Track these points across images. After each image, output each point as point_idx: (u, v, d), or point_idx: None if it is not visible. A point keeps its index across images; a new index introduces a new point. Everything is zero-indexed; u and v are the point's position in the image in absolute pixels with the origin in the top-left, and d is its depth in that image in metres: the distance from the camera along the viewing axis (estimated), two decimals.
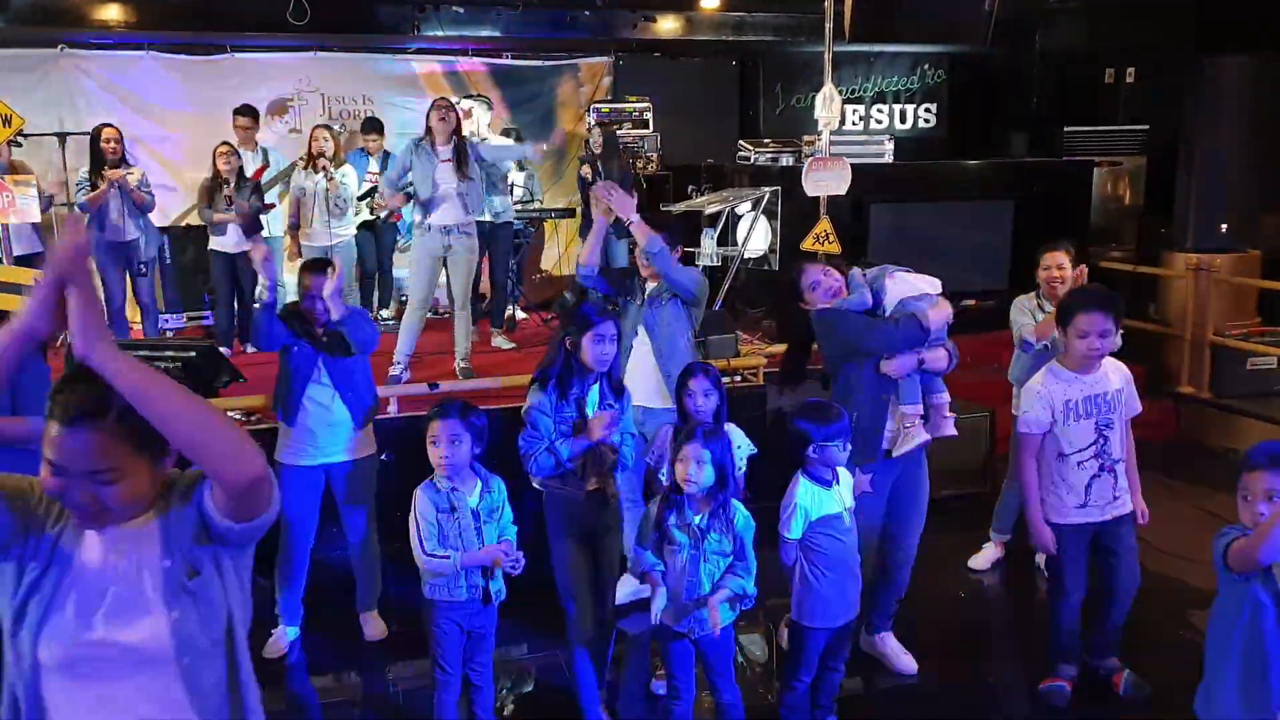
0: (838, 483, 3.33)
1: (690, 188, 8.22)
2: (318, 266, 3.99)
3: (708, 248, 7.33)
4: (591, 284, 4.42)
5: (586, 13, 8.62)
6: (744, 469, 3.62)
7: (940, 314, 3.67)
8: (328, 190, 6.63)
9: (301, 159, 7.07)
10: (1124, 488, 3.61)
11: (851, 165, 6.19)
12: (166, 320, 7.41)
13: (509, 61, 9.31)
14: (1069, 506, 3.57)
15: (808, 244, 6.20)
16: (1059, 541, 3.61)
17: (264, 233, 6.87)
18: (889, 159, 7.55)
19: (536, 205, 8.33)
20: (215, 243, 6.78)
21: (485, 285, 7.39)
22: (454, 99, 6.78)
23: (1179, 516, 4.99)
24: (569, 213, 8.61)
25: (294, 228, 7.10)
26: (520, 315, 7.97)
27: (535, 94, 9.45)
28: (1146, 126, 9.18)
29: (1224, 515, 2.61)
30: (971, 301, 6.53)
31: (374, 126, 7.81)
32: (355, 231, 7.27)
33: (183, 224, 8.01)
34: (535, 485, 3.52)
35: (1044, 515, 3.61)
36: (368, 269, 7.73)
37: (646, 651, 3.92)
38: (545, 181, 9.10)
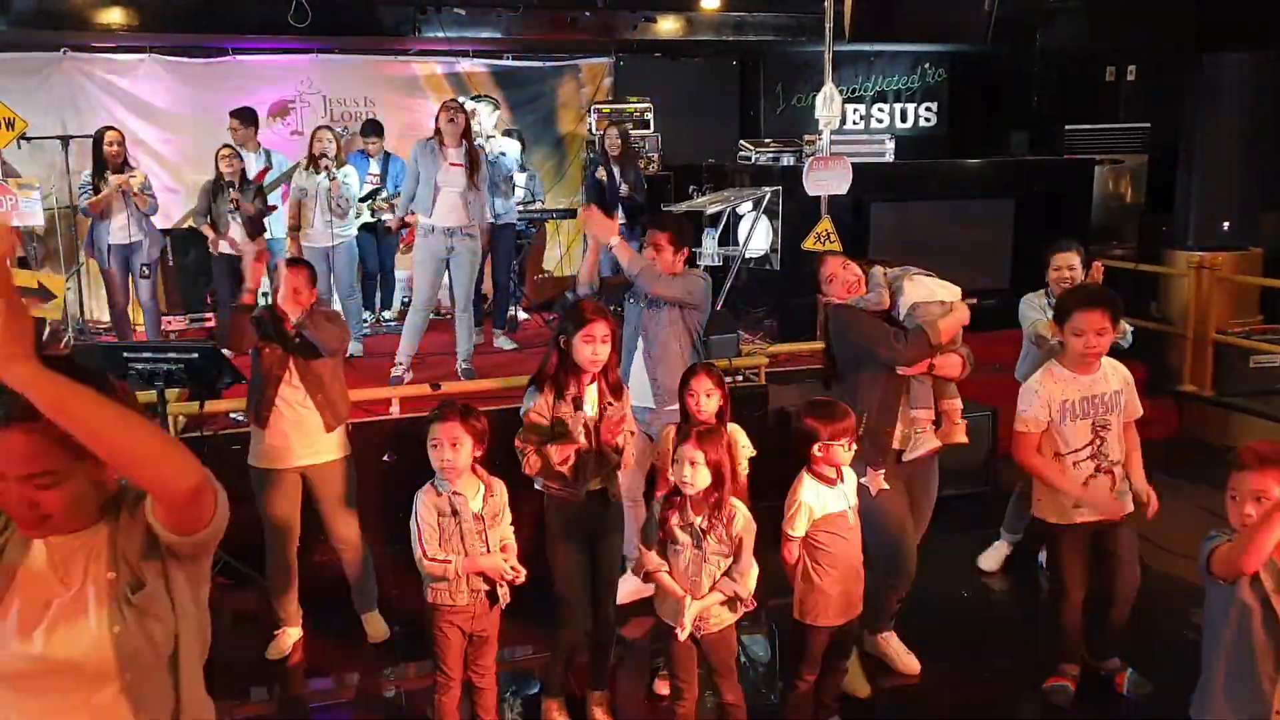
0: (842, 481, 3.34)
1: (691, 188, 8.22)
2: (291, 263, 4.02)
3: (709, 248, 7.34)
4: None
5: (587, 13, 8.61)
6: (745, 470, 3.62)
7: (953, 323, 3.64)
8: (330, 190, 6.63)
9: (303, 161, 7.07)
10: (1124, 490, 3.60)
11: (852, 164, 6.20)
12: (169, 322, 7.43)
13: (510, 62, 9.31)
14: (1066, 507, 3.57)
15: (809, 243, 6.21)
16: (1059, 542, 3.61)
17: (266, 234, 6.88)
18: (890, 158, 7.53)
19: (538, 206, 8.34)
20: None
21: (487, 286, 7.40)
22: (461, 100, 6.80)
23: (1181, 515, 4.97)
24: (571, 213, 8.62)
25: (293, 229, 7.09)
26: (522, 316, 7.98)
27: (536, 95, 9.45)
28: (1147, 125, 9.19)
29: (1226, 514, 2.59)
30: (972, 300, 6.50)
31: (374, 129, 7.83)
32: (356, 232, 7.27)
33: (185, 226, 8.01)
34: (537, 487, 3.52)
35: (1043, 515, 3.63)
36: (369, 270, 7.73)
37: (648, 652, 3.92)
38: (547, 182, 9.11)
